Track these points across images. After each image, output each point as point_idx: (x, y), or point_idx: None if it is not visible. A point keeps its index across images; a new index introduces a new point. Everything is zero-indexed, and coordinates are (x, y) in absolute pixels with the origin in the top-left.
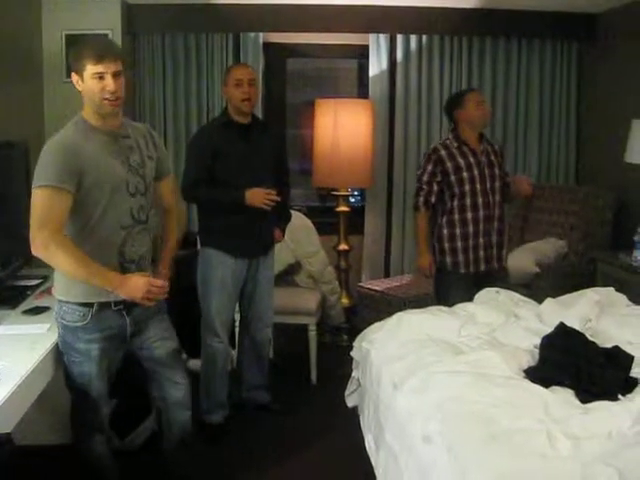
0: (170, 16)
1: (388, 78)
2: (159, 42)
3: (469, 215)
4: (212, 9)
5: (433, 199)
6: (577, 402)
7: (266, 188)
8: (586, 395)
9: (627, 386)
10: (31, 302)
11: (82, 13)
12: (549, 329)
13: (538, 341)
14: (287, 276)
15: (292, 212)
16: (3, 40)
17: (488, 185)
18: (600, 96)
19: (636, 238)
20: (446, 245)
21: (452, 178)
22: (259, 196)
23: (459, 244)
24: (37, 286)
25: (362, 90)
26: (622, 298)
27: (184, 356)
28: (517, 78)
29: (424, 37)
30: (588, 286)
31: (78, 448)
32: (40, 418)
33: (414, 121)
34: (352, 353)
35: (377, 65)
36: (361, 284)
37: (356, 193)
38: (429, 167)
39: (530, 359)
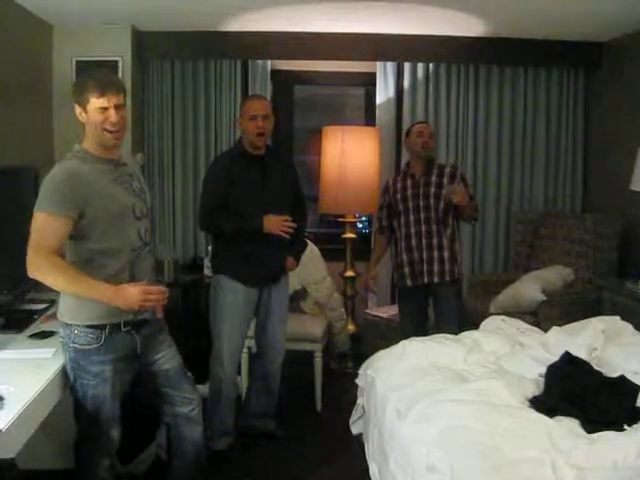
0: (179, 43)
1: (395, 105)
2: (168, 69)
3: (403, 231)
4: (221, 36)
5: (384, 222)
6: (582, 432)
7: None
8: (591, 425)
9: (633, 416)
10: (37, 326)
11: (92, 40)
12: (554, 358)
13: (543, 370)
14: (293, 302)
15: None
16: (14, 67)
17: (422, 203)
18: (606, 124)
19: None
20: (392, 261)
21: (392, 201)
22: (276, 223)
23: (399, 259)
24: (44, 310)
25: (369, 117)
26: (628, 327)
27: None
28: (524, 105)
29: (431, 65)
30: (595, 314)
31: (82, 474)
32: (43, 442)
33: None
34: (357, 380)
35: (384, 92)
36: (367, 311)
37: (363, 219)
38: (383, 197)
39: (535, 388)
